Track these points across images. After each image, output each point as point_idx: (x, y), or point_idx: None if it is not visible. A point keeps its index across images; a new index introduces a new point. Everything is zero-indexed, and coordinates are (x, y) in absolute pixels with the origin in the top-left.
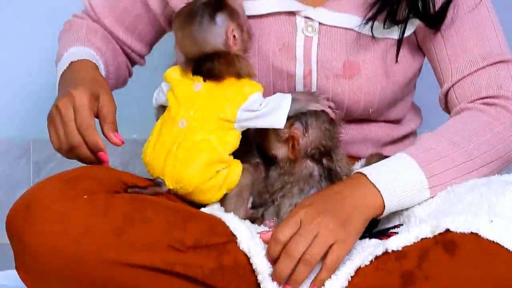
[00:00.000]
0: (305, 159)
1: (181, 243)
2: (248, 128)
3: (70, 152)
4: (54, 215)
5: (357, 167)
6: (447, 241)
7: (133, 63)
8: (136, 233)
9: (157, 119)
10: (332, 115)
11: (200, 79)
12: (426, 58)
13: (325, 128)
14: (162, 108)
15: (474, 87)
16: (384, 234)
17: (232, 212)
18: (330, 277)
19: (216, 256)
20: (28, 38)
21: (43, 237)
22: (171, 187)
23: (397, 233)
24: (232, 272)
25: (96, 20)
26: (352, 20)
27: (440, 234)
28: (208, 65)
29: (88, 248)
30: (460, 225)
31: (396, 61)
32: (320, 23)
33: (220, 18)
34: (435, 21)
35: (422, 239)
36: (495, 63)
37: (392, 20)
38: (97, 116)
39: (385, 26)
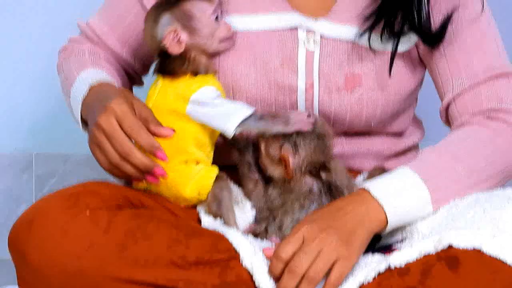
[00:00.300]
0: (303, 176)
1: (184, 259)
2: (246, 148)
3: (120, 165)
4: (56, 231)
5: (360, 180)
6: (450, 257)
7: (132, 83)
8: (138, 249)
9: None
10: (305, 128)
11: (160, 76)
12: (427, 70)
13: (314, 144)
14: None
15: (475, 101)
16: (387, 249)
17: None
18: None
19: (219, 273)
20: (29, 53)
21: (45, 253)
22: None
23: (400, 248)
24: None
25: (97, 41)
26: (353, 31)
27: (443, 250)
28: (161, 62)
29: (91, 264)
30: (462, 241)
31: (390, 75)
32: (321, 36)
33: (165, 18)
34: (432, 39)
35: (425, 255)
36: (496, 76)
37: (389, 32)
38: None
39: (382, 39)
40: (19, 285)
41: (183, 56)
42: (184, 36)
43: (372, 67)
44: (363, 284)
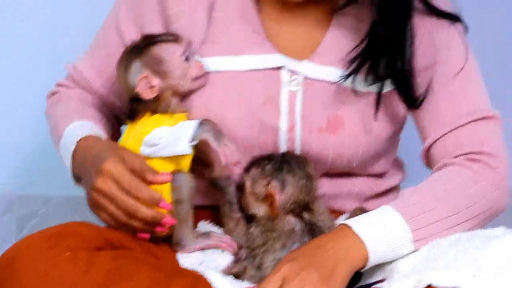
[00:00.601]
0: (286, 215)
1: None
2: (227, 187)
3: (128, 223)
4: (36, 273)
5: (341, 221)
6: None
7: (120, 124)
8: None
9: None
10: (224, 159)
11: (129, 122)
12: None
13: (302, 184)
14: None
15: (457, 143)
16: None
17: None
18: None
19: None
20: (9, 97)
21: None
22: None
23: None
24: None
25: (84, 85)
26: (337, 73)
27: None
28: (132, 107)
29: None
30: (442, 280)
31: (376, 118)
32: (305, 77)
33: (135, 66)
34: (413, 101)
35: None
36: (478, 119)
37: (373, 76)
38: None
39: (367, 81)
40: None
41: (156, 99)
42: (156, 81)
43: (355, 109)
44: None
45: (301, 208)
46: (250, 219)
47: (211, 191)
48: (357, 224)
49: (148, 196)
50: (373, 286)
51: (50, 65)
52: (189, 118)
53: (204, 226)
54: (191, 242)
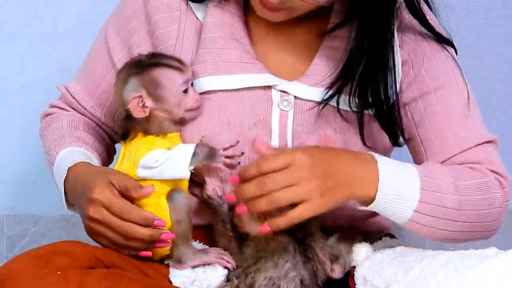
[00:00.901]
0: (279, 234)
1: None
2: (220, 206)
3: (128, 245)
4: None
5: (332, 241)
6: None
7: (114, 142)
8: None
9: None
10: (226, 172)
11: (123, 142)
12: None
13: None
14: None
15: (467, 161)
16: None
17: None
18: (285, 226)
19: None
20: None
21: None
22: None
23: None
24: None
25: (76, 106)
26: (329, 92)
27: None
28: (122, 125)
29: None
30: None
31: (364, 144)
32: (295, 97)
33: (132, 82)
34: (394, 138)
35: None
36: (483, 142)
37: (355, 100)
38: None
39: (351, 104)
40: None
41: (148, 118)
42: (149, 103)
43: (345, 129)
44: None
45: (294, 227)
46: (243, 238)
47: (204, 210)
48: (384, 166)
49: (140, 217)
50: None
51: (41, 85)
52: (181, 138)
53: (197, 246)
54: (190, 259)
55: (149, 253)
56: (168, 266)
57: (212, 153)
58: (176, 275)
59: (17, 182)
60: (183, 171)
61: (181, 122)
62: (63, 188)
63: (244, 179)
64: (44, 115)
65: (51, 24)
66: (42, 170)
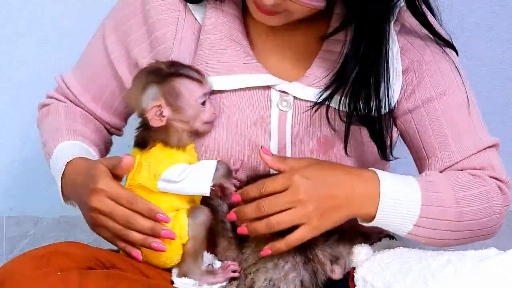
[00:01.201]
0: (279, 236)
1: None
2: (219, 206)
3: (126, 235)
4: None
5: (332, 241)
6: None
7: (111, 134)
8: None
9: None
10: (232, 190)
11: (138, 151)
12: (404, 141)
13: None
14: None
15: (470, 167)
16: None
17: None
18: (286, 249)
19: None
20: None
21: None
22: None
23: None
24: None
25: (72, 99)
26: (323, 94)
27: None
28: (141, 135)
29: None
30: None
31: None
32: (295, 97)
33: (152, 90)
34: (382, 150)
35: None
36: (485, 148)
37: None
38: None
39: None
40: None
41: (166, 130)
42: (166, 112)
43: (343, 131)
44: None
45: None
46: (242, 238)
47: None
48: (385, 184)
49: (145, 207)
50: None
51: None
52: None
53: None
54: (196, 279)
55: (139, 256)
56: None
57: (229, 172)
58: (178, 276)
59: (17, 184)
60: (205, 188)
61: (195, 134)
62: (60, 182)
63: (244, 200)
64: (41, 106)
65: (53, 21)
66: (42, 172)
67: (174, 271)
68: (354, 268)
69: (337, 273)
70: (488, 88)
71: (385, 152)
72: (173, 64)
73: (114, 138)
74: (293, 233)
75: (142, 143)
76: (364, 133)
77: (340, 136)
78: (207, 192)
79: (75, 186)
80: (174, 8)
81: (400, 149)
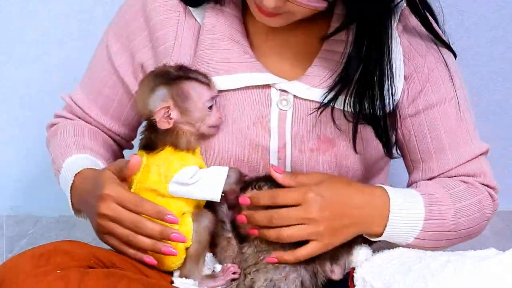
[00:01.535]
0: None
1: None
2: (219, 206)
3: (135, 241)
4: None
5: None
6: None
7: (121, 147)
8: None
9: None
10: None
11: (144, 153)
12: (398, 142)
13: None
14: None
15: (463, 174)
16: None
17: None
18: (293, 262)
19: None
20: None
21: None
22: None
23: None
24: None
25: (81, 114)
26: (328, 95)
27: None
28: (148, 137)
29: None
30: None
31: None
32: (294, 96)
33: (161, 92)
34: (387, 148)
35: None
36: (477, 155)
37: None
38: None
39: (350, 106)
40: None
41: (174, 133)
42: (174, 115)
43: (346, 130)
44: None
45: None
46: (242, 238)
47: None
48: (395, 202)
49: (153, 209)
50: None
51: (42, 87)
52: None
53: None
54: (197, 281)
55: (153, 261)
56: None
57: (240, 178)
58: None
59: (17, 183)
60: (216, 194)
61: (201, 137)
62: (69, 194)
63: (255, 204)
64: (49, 125)
65: (54, 23)
66: (42, 171)
67: (176, 273)
68: (354, 269)
69: (336, 274)
70: (488, 88)
71: (390, 150)
72: (181, 67)
73: None
74: (303, 247)
75: (148, 145)
76: (367, 130)
77: (341, 135)
78: (217, 199)
79: (83, 196)
80: (174, 9)
81: None
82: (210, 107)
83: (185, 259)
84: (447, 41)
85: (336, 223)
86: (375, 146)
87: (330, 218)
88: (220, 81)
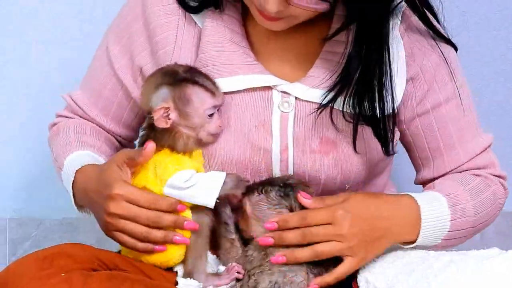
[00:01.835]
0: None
1: None
2: (223, 208)
3: (150, 236)
4: None
5: None
6: None
7: (123, 146)
8: None
9: None
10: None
11: None
12: (404, 140)
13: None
14: None
15: (474, 167)
16: None
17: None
18: (333, 283)
19: None
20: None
21: None
22: None
23: None
24: None
25: (82, 114)
26: (328, 96)
27: None
28: (146, 134)
29: None
30: None
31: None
32: (296, 98)
33: (163, 91)
34: (385, 147)
35: None
36: (485, 148)
37: (354, 103)
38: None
39: (351, 107)
40: None
41: (169, 131)
42: (173, 116)
43: (348, 131)
44: None
45: None
46: (246, 240)
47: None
48: (424, 209)
49: (167, 204)
50: None
51: (42, 88)
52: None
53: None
54: (201, 280)
55: (164, 248)
56: (175, 272)
57: (238, 183)
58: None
59: (20, 186)
60: (210, 200)
61: (198, 143)
62: (72, 190)
63: (283, 227)
64: (51, 125)
65: (54, 23)
66: (45, 173)
67: (180, 272)
68: (357, 270)
69: None
70: (489, 88)
71: (388, 149)
72: (191, 69)
73: None
74: (341, 266)
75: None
76: (367, 131)
77: (342, 136)
78: (211, 205)
79: (87, 192)
80: (174, 13)
81: (400, 145)
82: (211, 115)
83: (187, 254)
84: (447, 36)
85: (368, 237)
86: (377, 148)
87: (360, 233)
88: (222, 84)
